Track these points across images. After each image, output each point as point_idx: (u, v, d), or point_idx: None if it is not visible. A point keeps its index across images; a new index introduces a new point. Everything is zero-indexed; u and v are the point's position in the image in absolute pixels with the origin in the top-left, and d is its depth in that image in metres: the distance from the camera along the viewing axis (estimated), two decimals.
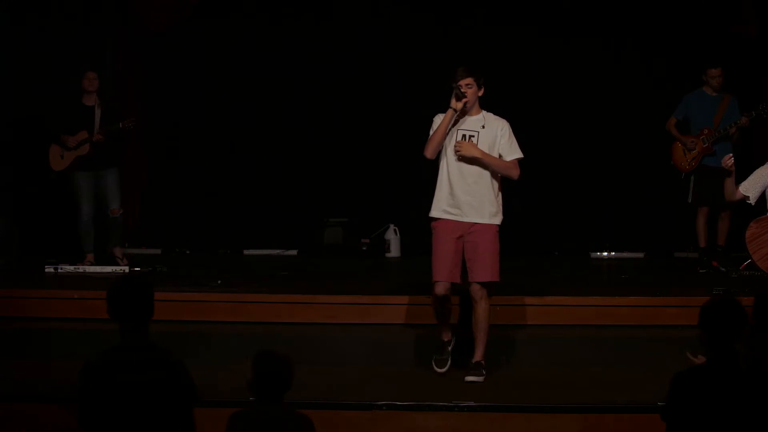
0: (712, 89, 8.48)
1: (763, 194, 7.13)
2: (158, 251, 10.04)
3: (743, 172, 7.27)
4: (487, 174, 5.86)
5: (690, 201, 8.51)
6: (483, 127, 5.88)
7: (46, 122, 8.49)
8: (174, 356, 3.85)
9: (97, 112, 8.32)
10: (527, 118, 9.72)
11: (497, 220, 5.92)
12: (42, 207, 9.33)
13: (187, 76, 10.05)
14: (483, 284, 5.84)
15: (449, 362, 5.99)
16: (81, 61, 9.21)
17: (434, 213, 5.93)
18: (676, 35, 9.67)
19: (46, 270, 8.11)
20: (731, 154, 7.06)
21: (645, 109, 9.55)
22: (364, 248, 9.88)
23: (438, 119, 5.89)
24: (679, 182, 8.63)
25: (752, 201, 7.07)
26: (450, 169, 5.87)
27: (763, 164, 7.25)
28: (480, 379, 5.83)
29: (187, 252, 10.07)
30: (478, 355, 5.90)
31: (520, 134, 9.73)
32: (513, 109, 9.68)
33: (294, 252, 10.07)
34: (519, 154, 5.97)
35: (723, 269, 8.09)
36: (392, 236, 9.94)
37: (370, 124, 9.79)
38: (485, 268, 5.83)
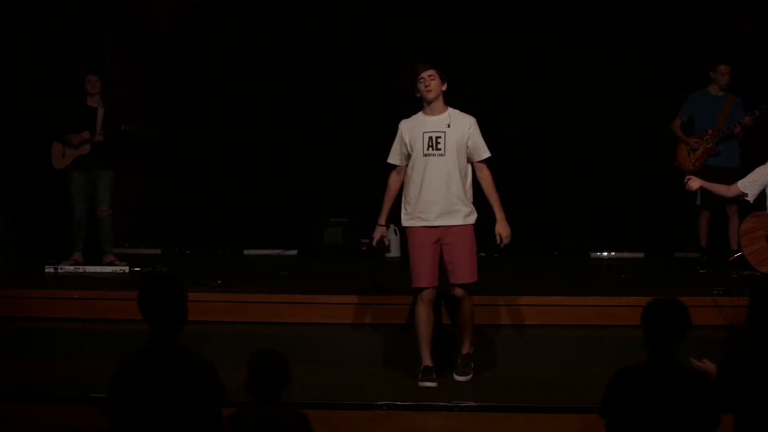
0: (718, 88, 8.46)
1: (762, 192, 7.13)
2: (158, 251, 10.05)
3: (748, 171, 7.26)
4: (456, 176, 5.79)
5: (698, 203, 8.46)
6: (449, 126, 5.80)
7: (49, 121, 8.55)
8: (203, 358, 3.84)
9: (100, 113, 8.43)
10: (527, 118, 9.81)
11: (472, 219, 5.87)
12: (42, 207, 9.33)
13: (187, 76, 10.05)
14: (463, 286, 5.83)
15: (436, 381, 5.82)
16: (81, 61, 9.22)
17: (407, 223, 5.90)
18: (676, 35, 9.67)
19: (46, 270, 8.12)
20: (689, 177, 7.04)
21: (645, 109, 9.55)
22: (364, 248, 9.87)
23: (402, 127, 5.90)
24: (681, 182, 8.62)
25: (750, 199, 7.07)
26: (419, 175, 5.80)
27: (762, 163, 7.24)
28: (468, 377, 5.82)
29: (187, 252, 10.07)
30: (466, 347, 5.94)
31: (520, 134, 9.82)
32: (513, 109, 9.82)
33: (294, 252, 10.07)
34: (487, 154, 5.88)
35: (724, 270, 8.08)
36: (392, 236, 9.93)
37: (370, 124, 9.76)
38: (465, 270, 5.80)
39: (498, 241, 5.87)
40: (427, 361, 5.84)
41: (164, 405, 3.71)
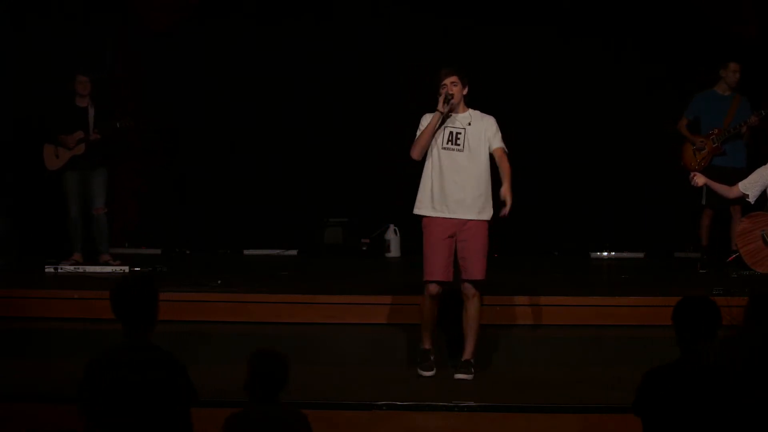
0: (726, 86, 8.43)
1: (763, 193, 7.14)
2: (158, 251, 10.04)
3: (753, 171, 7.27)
4: (472, 172, 5.93)
5: (704, 203, 8.46)
6: (469, 124, 5.96)
7: (41, 123, 8.55)
8: (174, 357, 3.86)
9: (90, 112, 8.42)
10: (527, 118, 9.79)
11: (486, 215, 5.99)
12: (42, 207, 9.32)
13: (187, 76, 10.05)
14: (475, 283, 5.91)
15: (434, 367, 5.99)
16: (81, 61, 9.22)
17: (422, 211, 5.99)
18: (676, 35, 9.67)
19: (46, 270, 8.12)
20: (694, 173, 7.05)
21: (645, 109, 9.55)
22: (364, 248, 9.88)
23: (425, 119, 5.98)
24: (680, 182, 8.60)
25: (752, 200, 7.08)
26: (436, 167, 5.93)
27: (764, 164, 7.25)
28: (469, 377, 5.86)
29: (187, 252, 10.07)
30: (467, 353, 5.94)
31: (520, 134, 9.77)
32: (513, 109, 9.78)
33: (294, 252, 10.07)
34: (501, 144, 6.04)
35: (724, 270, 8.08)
36: (392, 236, 9.95)
37: (370, 124, 9.79)
38: (478, 267, 5.91)
39: (502, 199, 5.90)
40: (426, 344, 5.99)
41: (134, 403, 3.71)
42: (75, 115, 8.40)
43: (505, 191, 5.91)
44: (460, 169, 5.90)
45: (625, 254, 9.95)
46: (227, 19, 10.04)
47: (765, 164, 7.17)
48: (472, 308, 5.92)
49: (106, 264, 8.36)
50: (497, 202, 6.00)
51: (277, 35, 10.08)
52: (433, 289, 5.91)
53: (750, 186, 7.06)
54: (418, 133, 5.98)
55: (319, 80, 10.01)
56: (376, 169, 9.72)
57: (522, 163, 9.75)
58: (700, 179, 6.87)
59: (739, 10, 9.24)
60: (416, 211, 6.02)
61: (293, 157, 10.07)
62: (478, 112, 6.02)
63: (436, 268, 5.89)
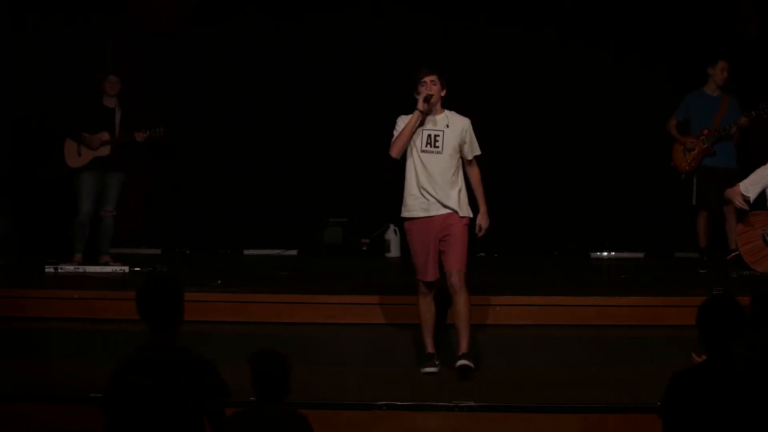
0: (715, 85, 8.43)
1: (763, 193, 7.13)
2: (158, 251, 10.04)
3: (745, 172, 7.27)
4: (451, 173, 5.98)
5: (695, 203, 8.47)
6: (447, 126, 5.99)
7: (64, 119, 8.48)
8: (202, 357, 3.82)
9: (117, 113, 8.41)
10: (528, 118, 9.81)
11: (466, 212, 6.01)
12: (42, 207, 9.32)
13: (187, 76, 10.05)
14: (459, 274, 5.91)
15: (437, 366, 6.04)
16: (81, 61, 9.21)
17: (407, 214, 6.06)
18: (676, 35, 9.68)
19: (46, 270, 8.11)
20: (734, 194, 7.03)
21: (645, 110, 9.54)
22: (364, 248, 9.88)
23: (401, 121, 6.02)
24: (679, 182, 8.62)
25: (751, 200, 7.07)
26: (417, 167, 5.98)
27: (764, 164, 7.24)
28: (470, 363, 5.84)
29: (187, 252, 10.07)
30: (463, 347, 5.90)
31: (520, 134, 9.82)
32: (513, 109, 9.83)
33: (294, 252, 10.07)
34: (479, 152, 6.09)
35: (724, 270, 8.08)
36: (392, 236, 9.95)
37: (370, 124, 9.73)
38: (460, 257, 5.92)
39: (477, 231, 6.05)
40: (429, 348, 6.04)
41: (162, 405, 3.69)
42: (102, 115, 8.37)
43: (483, 220, 6.04)
44: (439, 170, 5.94)
45: (625, 254, 9.95)
46: (227, 19, 10.05)
47: (765, 164, 7.16)
48: (460, 301, 5.90)
49: (106, 264, 8.36)
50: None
51: (277, 35, 10.08)
52: (426, 288, 6.01)
53: (750, 186, 7.04)
54: (395, 133, 6.00)
55: (319, 80, 10.02)
56: (376, 169, 9.68)
57: (522, 163, 9.87)
58: (737, 198, 6.69)
59: (738, 10, 9.25)
60: (404, 214, 6.08)
61: (293, 157, 10.07)
62: (454, 113, 6.05)
63: (425, 269, 5.97)
